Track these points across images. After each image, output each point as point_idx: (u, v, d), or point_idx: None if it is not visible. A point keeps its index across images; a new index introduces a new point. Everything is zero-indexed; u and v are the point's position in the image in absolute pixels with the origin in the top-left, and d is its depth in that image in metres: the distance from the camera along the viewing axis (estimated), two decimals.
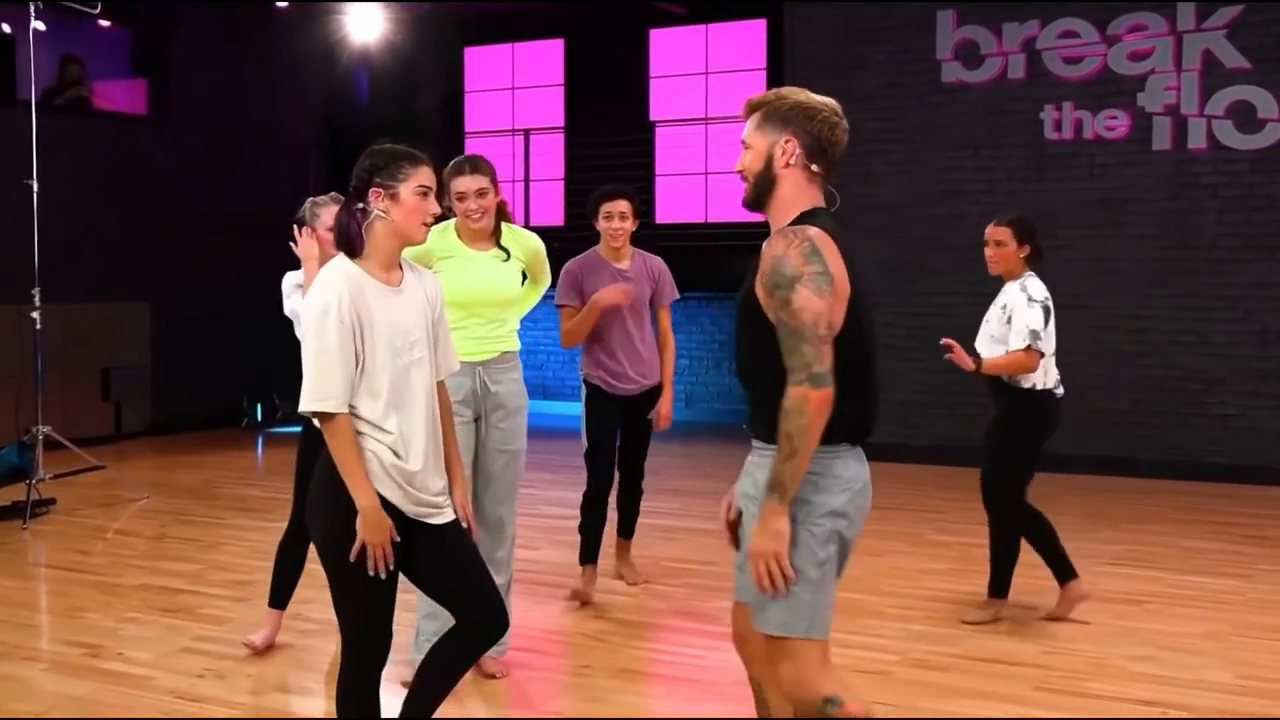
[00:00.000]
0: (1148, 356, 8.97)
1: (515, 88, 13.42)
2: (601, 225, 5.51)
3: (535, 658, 4.77)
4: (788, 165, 2.81)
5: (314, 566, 5.48)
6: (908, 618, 5.28)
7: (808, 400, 2.62)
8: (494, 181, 4.44)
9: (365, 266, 3.07)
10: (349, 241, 3.08)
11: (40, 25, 8.13)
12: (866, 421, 2.81)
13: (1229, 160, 8.75)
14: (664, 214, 12.46)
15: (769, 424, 2.72)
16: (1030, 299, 5.03)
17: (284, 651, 4.81)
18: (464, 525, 3.23)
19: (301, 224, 4.84)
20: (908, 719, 4.09)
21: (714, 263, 11.57)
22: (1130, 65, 8.99)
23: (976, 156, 9.34)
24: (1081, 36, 9.12)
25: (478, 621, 3.21)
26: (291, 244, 4.63)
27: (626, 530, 5.91)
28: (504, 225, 4.53)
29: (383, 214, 3.06)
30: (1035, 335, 4.95)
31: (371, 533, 2.98)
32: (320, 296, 3.00)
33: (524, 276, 4.70)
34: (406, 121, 12.48)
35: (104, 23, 10.32)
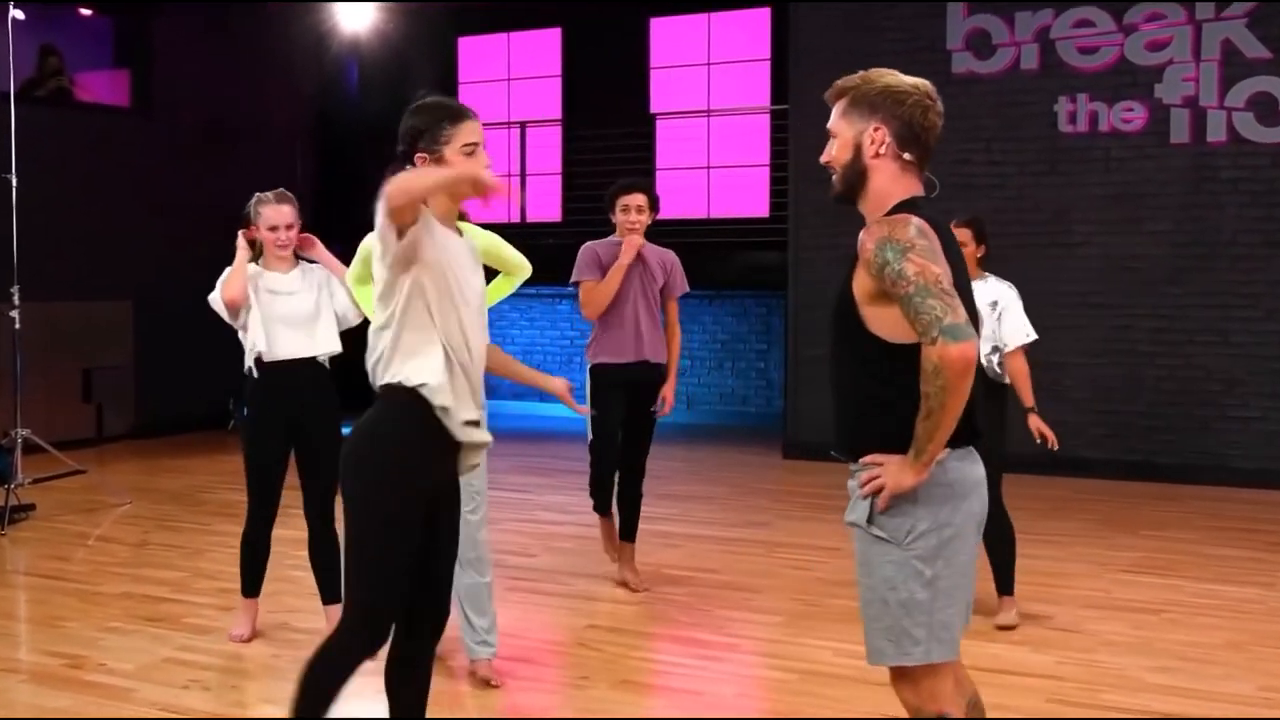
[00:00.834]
0: (1166, 357, 8.96)
1: (511, 79, 13.42)
2: (618, 217, 5.70)
3: (531, 668, 4.76)
4: (878, 155, 2.74)
5: (299, 574, 5.52)
6: None
7: (945, 358, 2.49)
8: None
9: None
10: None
11: (19, 14, 8.13)
12: (968, 422, 2.68)
13: (1250, 153, 8.75)
14: (665, 209, 12.21)
15: (860, 442, 2.67)
16: (1017, 296, 5.25)
17: (271, 662, 4.81)
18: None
19: (248, 222, 4.90)
20: None
21: (717, 260, 11.57)
22: (1147, 55, 8.98)
23: (988, 150, 9.33)
24: (1097, 26, 9.12)
25: (429, 612, 3.19)
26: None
27: (628, 532, 5.92)
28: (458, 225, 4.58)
29: None
30: (1029, 333, 5.20)
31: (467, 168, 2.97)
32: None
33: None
34: (398, 113, 12.46)
35: (85, 11, 10.33)
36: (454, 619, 3.81)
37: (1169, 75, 8.93)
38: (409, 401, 2.99)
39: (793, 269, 10.11)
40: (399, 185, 2.81)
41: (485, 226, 4.78)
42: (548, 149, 12.90)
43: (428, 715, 3.29)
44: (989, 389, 5.18)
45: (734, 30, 12.35)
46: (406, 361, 2.99)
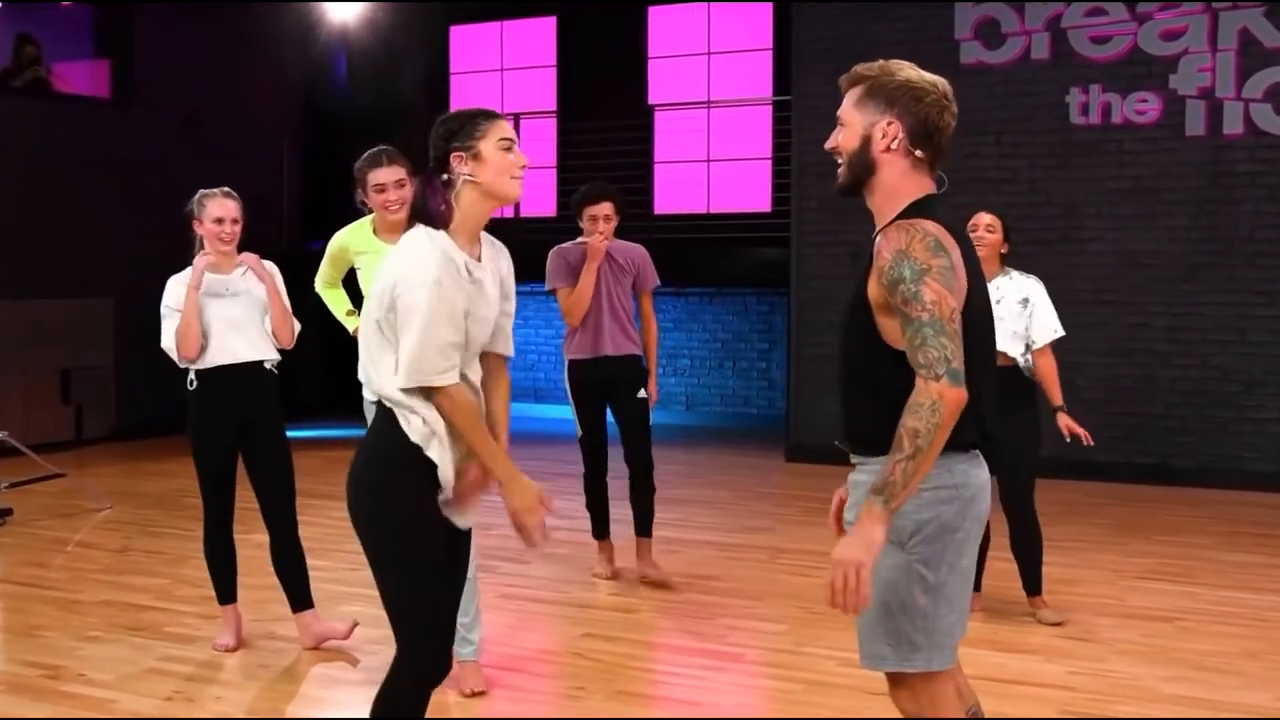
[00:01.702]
0: (1181, 357, 8.96)
1: (504, 69, 13.42)
2: (586, 226, 5.99)
3: (524, 678, 4.76)
4: (888, 150, 2.74)
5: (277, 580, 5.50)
6: None
7: (944, 398, 2.53)
8: (410, 173, 4.62)
9: (453, 239, 3.05)
10: (430, 219, 3.05)
11: None
12: (977, 427, 2.71)
13: (1268, 146, 8.75)
14: (663, 204, 12.47)
15: (870, 437, 2.67)
16: (1044, 291, 5.33)
17: (257, 672, 4.80)
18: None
19: (191, 218, 4.89)
20: None
21: (716, 256, 11.58)
22: (1162, 45, 8.99)
23: (998, 143, 9.34)
24: (1110, 14, 9.12)
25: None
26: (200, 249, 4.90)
27: (644, 528, 6.17)
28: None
29: (470, 177, 3.04)
30: (1057, 328, 5.30)
31: (526, 501, 3.02)
32: (422, 266, 2.95)
33: None
34: (388, 104, 12.48)
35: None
36: None
37: (1184, 65, 8.93)
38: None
39: (795, 266, 10.12)
40: (458, 413, 2.96)
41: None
42: (542, 142, 12.90)
43: None
44: (1023, 388, 5.26)
45: (735, 19, 12.35)
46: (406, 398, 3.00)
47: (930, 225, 2.66)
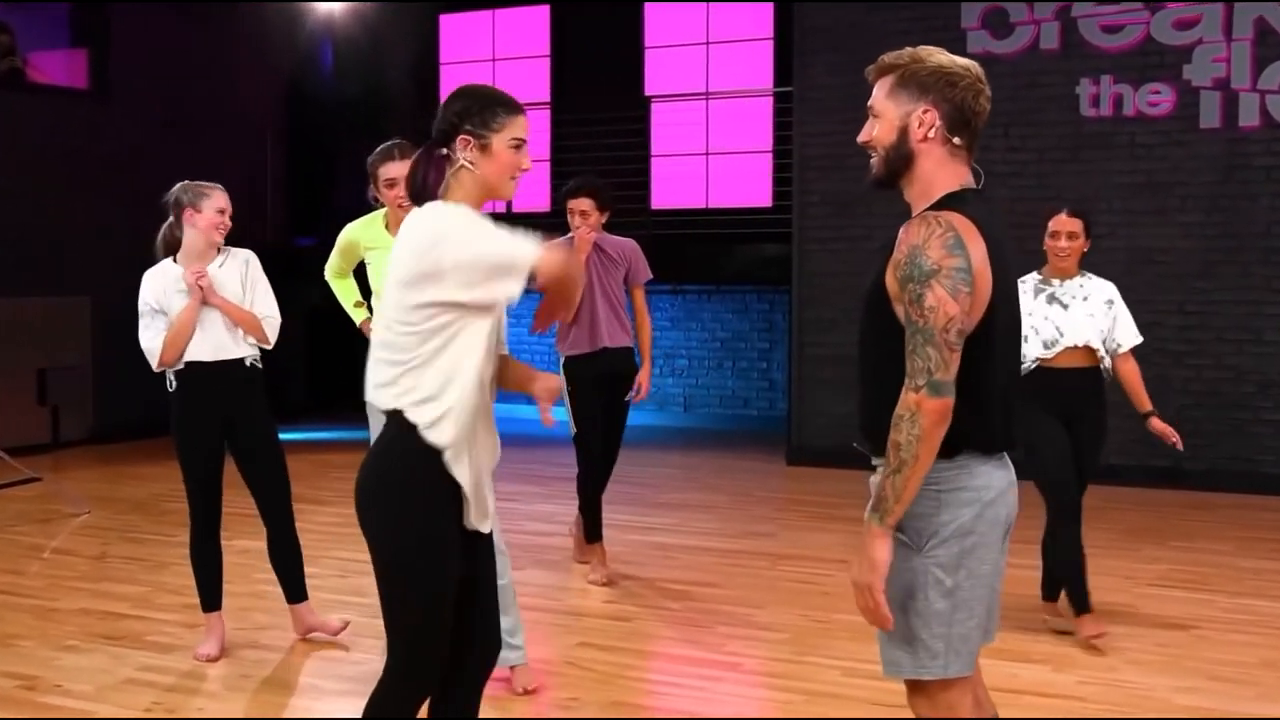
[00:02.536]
0: (1196, 357, 8.97)
1: (496, 59, 13.41)
2: (571, 220, 6.16)
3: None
4: (926, 139, 2.74)
5: (268, 588, 5.51)
6: None
7: (921, 408, 2.58)
8: None
9: None
10: (421, 192, 3.01)
11: None
12: (1003, 430, 2.74)
13: None
14: (660, 199, 12.46)
15: (885, 436, 2.68)
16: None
17: (239, 683, 4.80)
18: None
19: (180, 208, 4.87)
20: None
21: (716, 253, 11.58)
22: (1175, 34, 8.99)
23: (1005, 136, 9.35)
24: (1121, 3, 9.13)
25: (481, 639, 3.18)
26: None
27: (593, 533, 6.39)
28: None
29: (470, 165, 3.01)
30: (1137, 333, 5.44)
31: (561, 259, 2.93)
32: (439, 219, 2.93)
33: None
34: (375, 95, 12.47)
35: None
36: None
37: (1198, 56, 8.94)
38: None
39: (797, 262, 10.11)
40: (563, 265, 2.90)
41: None
42: (535, 134, 12.76)
43: None
44: (1101, 389, 5.34)
45: (734, 7, 12.34)
46: (422, 407, 2.93)
47: (956, 219, 2.66)
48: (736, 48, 12.35)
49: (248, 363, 4.96)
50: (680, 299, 12.47)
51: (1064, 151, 9.29)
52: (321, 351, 12.00)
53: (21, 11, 10.86)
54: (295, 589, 5.22)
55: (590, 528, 6.38)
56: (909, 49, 2.80)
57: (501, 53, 13.39)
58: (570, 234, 6.13)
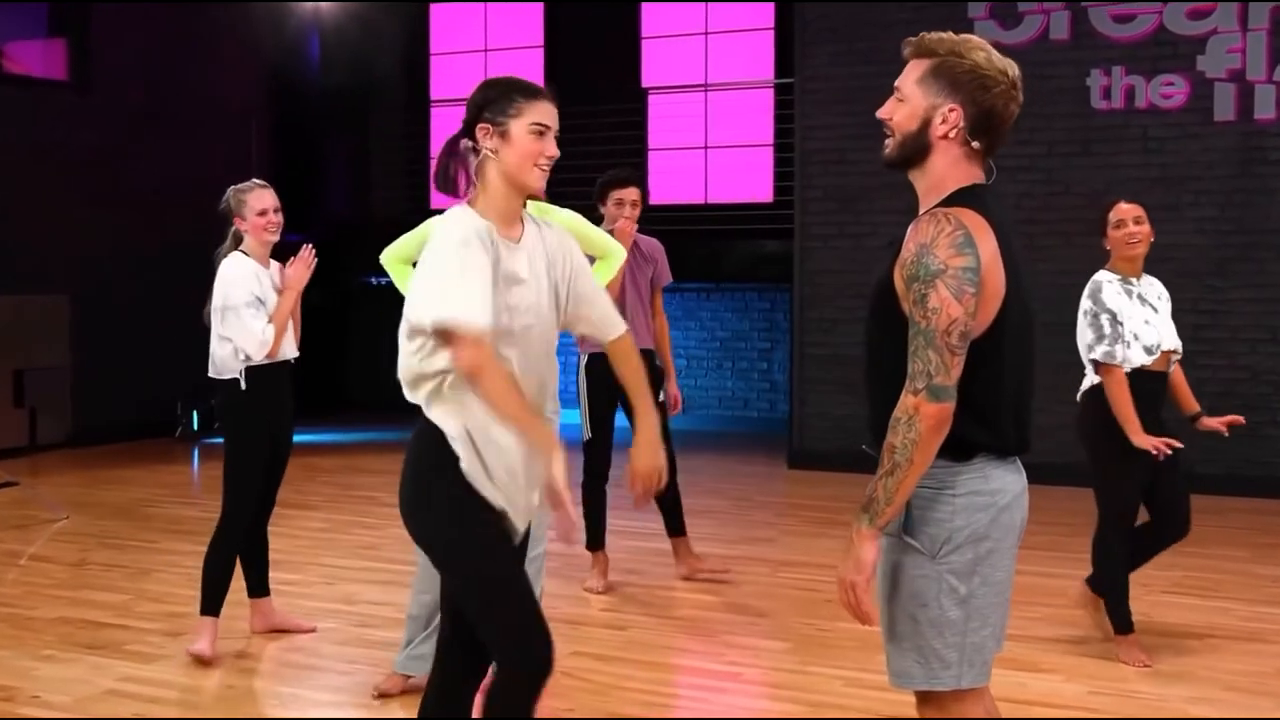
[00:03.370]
0: (1209, 356, 8.97)
1: (488, 50, 13.41)
2: (610, 210, 6.08)
3: None
4: (946, 137, 2.76)
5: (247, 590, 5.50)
6: None
7: (919, 412, 2.58)
8: None
9: (485, 216, 3.02)
10: (448, 184, 3.05)
11: None
12: (1018, 433, 2.74)
13: None
14: (658, 194, 12.38)
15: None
16: None
17: (224, 694, 4.80)
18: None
19: (229, 215, 4.96)
20: None
21: (715, 250, 11.57)
22: (1189, 24, 9.00)
23: (1014, 129, 9.26)
24: None
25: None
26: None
27: (677, 528, 6.38)
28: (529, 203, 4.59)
29: (491, 154, 3.02)
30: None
31: (551, 444, 2.92)
32: (447, 230, 2.96)
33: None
34: (363, 88, 12.46)
35: None
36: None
37: (1213, 46, 8.94)
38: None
39: (798, 260, 10.12)
40: (489, 384, 2.85)
41: None
42: None
43: None
44: (1166, 391, 5.28)
45: None
46: (447, 420, 2.98)
47: (967, 216, 2.66)
48: (736, 38, 12.36)
49: (293, 361, 5.22)
50: (678, 297, 12.47)
51: (1074, 145, 9.29)
52: (308, 354, 11.97)
53: None
54: (263, 582, 5.39)
55: (592, 535, 6.28)
56: (951, 35, 2.80)
57: (494, 43, 13.39)
58: (609, 225, 5.98)
